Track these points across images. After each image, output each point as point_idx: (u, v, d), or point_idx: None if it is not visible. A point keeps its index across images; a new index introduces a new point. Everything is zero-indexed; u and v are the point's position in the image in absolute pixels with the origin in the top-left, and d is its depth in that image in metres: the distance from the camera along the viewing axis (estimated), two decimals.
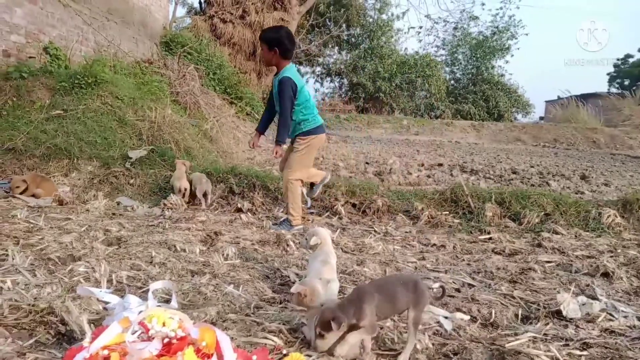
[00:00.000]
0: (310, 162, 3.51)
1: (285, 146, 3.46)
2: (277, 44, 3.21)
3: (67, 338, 1.57)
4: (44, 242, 2.56)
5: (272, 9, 14.36)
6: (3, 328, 1.56)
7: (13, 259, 2.27)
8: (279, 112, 3.32)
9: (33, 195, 3.73)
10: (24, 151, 4.31)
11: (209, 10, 14.28)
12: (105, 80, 5.43)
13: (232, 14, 13.89)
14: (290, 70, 3.27)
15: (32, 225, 2.98)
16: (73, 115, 4.84)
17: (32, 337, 1.55)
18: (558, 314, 1.93)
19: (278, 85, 3.22)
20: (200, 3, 16.16)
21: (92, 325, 1.60)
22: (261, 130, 3.62)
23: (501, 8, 26.26)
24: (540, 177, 6.74)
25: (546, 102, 29.34)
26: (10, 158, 4.23)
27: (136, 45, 9.06)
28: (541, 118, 28.40)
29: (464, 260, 2.82)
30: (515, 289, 2.26)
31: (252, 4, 14.02)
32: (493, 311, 1.95)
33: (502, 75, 25.39)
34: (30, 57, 5.65)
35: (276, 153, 3.36)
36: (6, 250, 2.35)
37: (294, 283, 2.22)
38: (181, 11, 19.27)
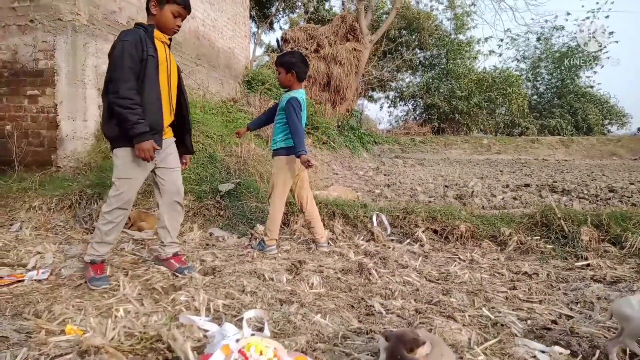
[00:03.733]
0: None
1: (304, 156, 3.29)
2: (294, 67, 3.39)
3: None
4: (149, 273, 2.83)
5: (344, 41, 14.79)
6: (121, 354, 1.75)
7: (124, 288, 2.53)
8: (290, 127, 3.34)
9: (137, 229, 4.14)
10: None
11: (285, 47, 15.03)
12: (196, 121, 5.93)
13: (307, 48, 14.50)
14: (301, 92, 3.46)
15: (137, 257, 3.30)
16: None
17: None
18: None
19: (286, 102, 3.36)
20: (277, 41, 17.08)
21: (195, 352, 1.74)
22: (251, 126, 3.81)
23: (588, 17, 24.38)
24: None
25: None
26: None
27: (222, 86, 9.77)
28: (639, 129, 25.85)
29: (559, 289, 2.65)
30: None
31: (326, 37, 14.55)
32: (596, 345, 1.82)
33: (592, 86, 23.59)
34: None
35: (308, 162, 3.21)
36: (118, 281, 2.63)
37: (379, 313, 2.25)
38: (259, 50, 20.48)
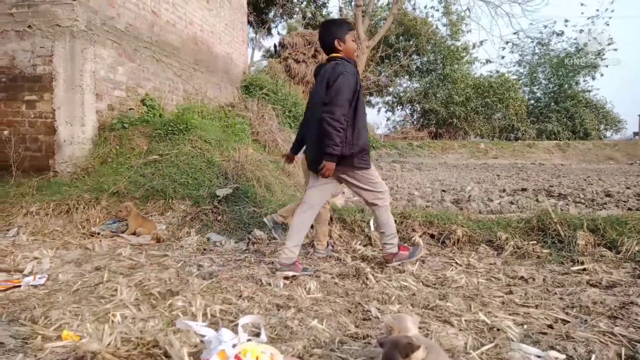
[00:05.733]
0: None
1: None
2: None
3: None
4: (146, 278, 2.83)
5: None
6: (118, 359, 1.75)
7: (121, 294, 2.53)
8: None
9: (134, 234, 4.14)
10: (126, 194, 4.79)
11: (283, 53, 15.11)
12: (194, 126, 5.95)
13: (304, 54, 14.59)
14: None
15: (135, 262, 3.30)
16: (167, 159, 5.33)
17: None
18: None
19: None
20: (275, 46, 17.20)
21: (191, 358, 1.74)
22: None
23: (587, 24, 24.47)
24: (638, 200, 6.14)
25: None
26: (114, 201, 4.72)
27: (220, 91, 9.79)
28: (635, 134, 25.97)
29: (555, 293, 2.65)
30: (616, 326, 2.09)
31: None
32: (591, 350, 1.83)
33: (589, 91, 23.71)
34: (130, 109, 6.34)
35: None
36: (115, 286, 2.63)
37: (376, 318, 2.25)
38: (257, 54, 20.56)
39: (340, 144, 2.80)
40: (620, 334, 1.99)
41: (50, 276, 2.88)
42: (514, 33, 23.76)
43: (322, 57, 14.58)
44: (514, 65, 25.92)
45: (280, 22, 22.84)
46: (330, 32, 3.05)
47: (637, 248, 3.33)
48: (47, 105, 5.39)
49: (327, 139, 2.78)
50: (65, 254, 3.50)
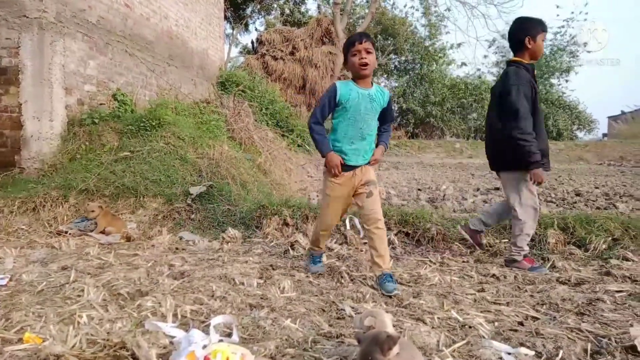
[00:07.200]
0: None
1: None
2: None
3: None
4: (115, 278, 2.75)
5: (320, 44, 14.86)
6: None
7: (88, 294, 2.45)
8: (388, 123, 2.97)
9: (103, 233, 4.03)
10: (96, 191, 4.66)
11: (260, 49, 14.98)
12: (167, 122, 5.83)
13: (282, 51, 14.51)
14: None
15: (103, 261, 3.20)
16: (139, 156, 5.21)
17: None
18: (632, 349, 1.80)
19: (391, 101, 2.91)
20: (252, 43, 17.02)
21: (160, 359, 1.69)
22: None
23: (563, 26, 24.96)
24: (606, 199, 6.34)
25: (609, 118, 27.79)
26: (83, 198, 4.59)
27: (195, 87, 9.63)
28: (604, 135, 26.82)
29: (526, 291, 2.70)
30: (583, 322, 2.14)
31: (301, 40, 14.59)
32: (559, 346, 1.86)
33: (563, 93, 24.33)
34: (100, 104, 6.17)
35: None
36: (82, 287, 2.54)
37: (350, 317, 2.24)
38: (234, 51, 20.34)
39: (536, 149, 2.93)
40: (587, 330, 2.03)
41: (13, 276, 2.77)
42: (502, 35, 23.91)
43: (300, 54, 14.55)
44: (493, 66, 26.34)
45: (258, 18, 22.67)
46: (523, 28, 3.06)
47: (604, 246, 3.43)
48: (13, 99, 5.19)
49: (525, 154, 2.94)
50: (31, 253, 3.37)
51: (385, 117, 2.88)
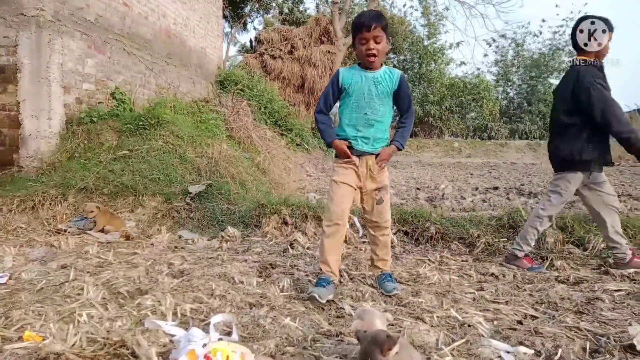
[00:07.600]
0: None
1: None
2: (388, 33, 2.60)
3: None
4: (114, 277, 2.75)
5: (318, 43, 14.85)
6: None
7: (88, 293, 2.45)
8: (407, 114, 2.72)
9: (102, 231, 4.02)
10: (94, 190, 4.65)
11: (259, 48, 14.97)
12: (166, 121, 5.82)
13: (281, 50, 14.49)
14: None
15: (102, 260, 3.20)
16: (138, 154, 5.20)
17: None
18: (631, 348, 1.81)
19: (404, 83, 2.64)
20: (250, 42, 17.01)
21: (160, 358, 1.69)
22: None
23: (562, 26, 24.66)
24: None
25: None
26: (82, 197, 4.58)
27: (193, 86, 9.62)
28: None
29: (525, 290, 2.71)
30: (582, 321, 2.15)
31: (300, 39, 14.57)
32: (558, 345, 1.87)
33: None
34: (99, 103, 6.16)
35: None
36: (81, 285, 2.54)
37: (349, 315, 2.24)
38: (233, 49, 20.32)
39: (633, 129, 2.89)
40: (585, 329, 2.04)
41: (12, 275, 2.77)
42: (501, 35, 23.70)
43: (299, 53, 14.53)
44: (492, 65, 26.36)
45: (257, 17, 22.65)
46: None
47: (602, 245, 3.43)
48: (11, 98, 5.18)
49: (630, 142, 2.87)
50: (30, 251, 3.37)
51: (400, 102, 2.64)
